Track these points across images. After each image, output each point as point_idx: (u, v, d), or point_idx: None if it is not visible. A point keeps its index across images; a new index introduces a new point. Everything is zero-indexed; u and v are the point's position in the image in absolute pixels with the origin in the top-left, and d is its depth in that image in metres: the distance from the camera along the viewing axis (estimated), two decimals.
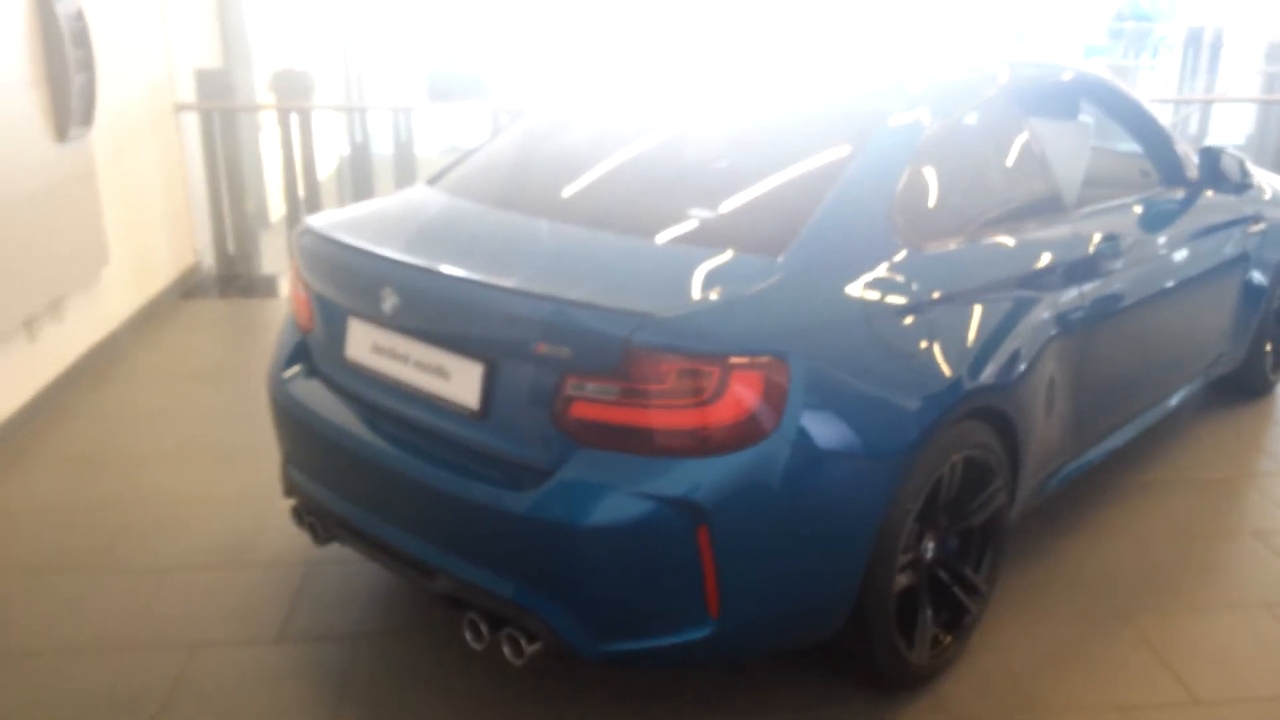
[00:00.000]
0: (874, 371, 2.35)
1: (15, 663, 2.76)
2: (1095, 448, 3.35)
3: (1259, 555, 3.32)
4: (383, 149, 10.63)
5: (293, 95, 6.22)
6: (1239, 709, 2.64)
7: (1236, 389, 4.48)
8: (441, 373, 2.40)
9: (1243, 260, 3.90)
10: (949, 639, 2.69)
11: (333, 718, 2.57)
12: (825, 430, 2.24)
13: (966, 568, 2.75)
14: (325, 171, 9.84)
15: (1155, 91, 12.69)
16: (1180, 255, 3.52)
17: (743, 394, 2.14)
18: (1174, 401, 3.78)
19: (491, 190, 2.91)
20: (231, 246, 6.38)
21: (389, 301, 2.42)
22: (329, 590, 3.07)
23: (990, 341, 2.62)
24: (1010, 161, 3.05)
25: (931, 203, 2.71)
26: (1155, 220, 3.47)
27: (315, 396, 2.71)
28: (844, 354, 2.31)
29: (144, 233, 5.55)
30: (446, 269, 2.36)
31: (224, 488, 3.69)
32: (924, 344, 2.45)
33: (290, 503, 2.90)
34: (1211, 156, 3.72)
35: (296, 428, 2.74)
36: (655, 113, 3.16)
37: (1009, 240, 2.86)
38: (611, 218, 2.64)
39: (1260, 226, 4.00)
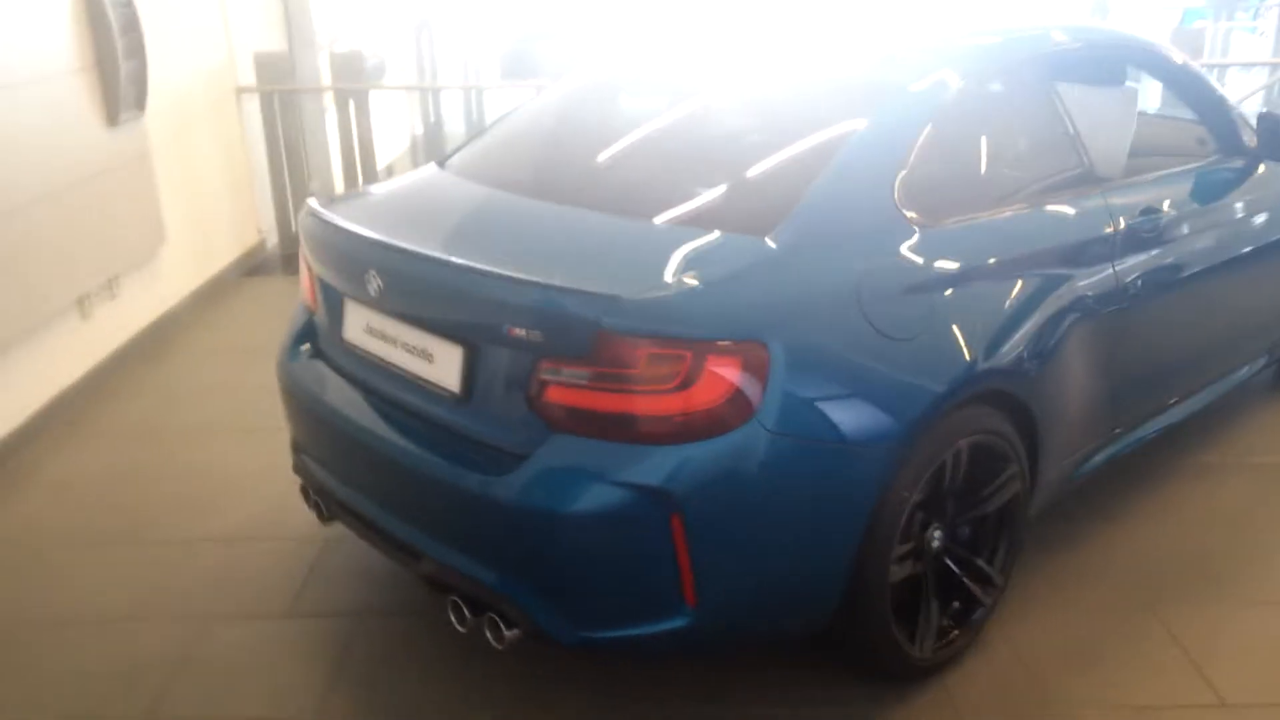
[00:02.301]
0: (865, 355, 2.25)
1: (42, 633, 2.86)
2: (1135, 432, 3.18)
3: None
4: (456, 128, 10.74)
5: (350, 77, 6.29)
6: (1268, 714, 2.48)
7: None
8: (426, 355, 2.39)
9: None
10: (956, 632, 2.59)
11: (328, 694, 2.60)
12: (807, 417, 2.15)
13: (978, 558, 2.64)
14: (398, 150, 9.98)
15: (1253, 55, 12.03)
16: (1233, 229, 3.32)
17: (718, 379, 2.08)
18: (1230, 383, 3.57)
19: (495, 172, 2.88)
20: (294, 226, 6.50)
21: (376, 283, 2.42)
22: (342, 566, 3.11)
23: (1003, 323, 2.50)
24: (1038, 132, 2.91)
25: (944, 177, 2.59)
26: (1205, 191, 3.28)
27: (316, 377, 2.73)
28: (832, 337, 2.22)
29: (204, 213, 5.69)
30: (428, 251, 2.34)
31: (259, 462, 3.76)
32: (925, 326, 2.34)
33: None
34: (1272, 123, 3.48)
35: (299, 407, 2.77)
36: (661, 92, 3.09)
37: (1030, 216, 2.72)
38: (610, 200, 2.59)
39: None
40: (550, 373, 2.14)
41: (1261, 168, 3.48)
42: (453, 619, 2.37)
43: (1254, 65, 10.53)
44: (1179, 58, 3.35)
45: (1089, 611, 2.85)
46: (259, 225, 6.42)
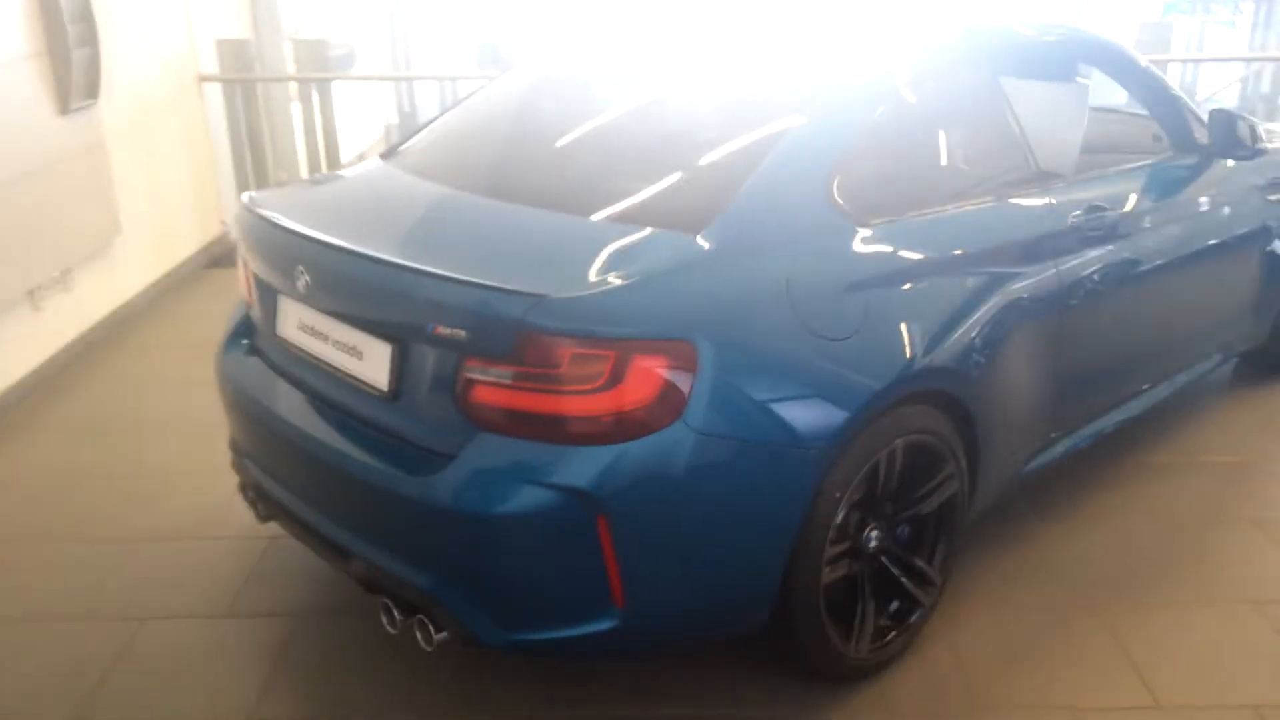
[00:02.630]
0: (798, 355, 2.23)
1: None
2: (1084, 430, 3.17)
3: (1256, 546, 3.13)
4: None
5: (314, 65, 6.23)
6: (1203, 715, 2.48)
7: (1263, 367, 4.22)
8: (356, 352, 2.36)
9: (1263, 232, 3.65)
10: (893, 633, 2.58)
11: (264, 693, 2.57)
12: (737, 417, 2.13)
13: (917, 558, 2.63)
14: (371, 140, 9.92)
15: (1228, 49, 12.03)
16: (1182, 226, 3.31)
17: (643, 379, 2.05)
18: (1183, 380, 3.57)
19: (435, 166, 2.84)
20: None
21: (305, 279, 2.38)
22: (283, 565, 3.08)
23: (942, 322, 2.48)
24: (986, 129, 2.89)
25: (885, 174, 2.57)
26: (1155, 189, 3.27)
27: (251, 373, 2.69)
28: (764, 336, 2.20)
29: (164, 203, 5.63)
30: (357, 247, 2.31)
31: (208, 458, 3.70)
32: (860, 325, 2.32)
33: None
34: (1223, 119, 3.47)
35: (234, 404, 2.73)
36: (607, 86, 3.05)
37: (974, 213, 2.70)
38: (548, 196, 2.56)
39: None
40: (476, 371, 2.11)
41: (1212, 165, 3.47)
42: (383, 620, 2.35)
43: (1230, 60, 10.51)
44: (1132, 54, 3.34)
45: (1030, 612, 2.84)
46: (222, 216, 6.36)
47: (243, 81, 6.10)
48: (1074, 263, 2.88)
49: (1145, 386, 3.40)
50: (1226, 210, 3.48)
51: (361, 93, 9.11)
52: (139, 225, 5.23)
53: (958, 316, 2.53)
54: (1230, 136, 3.46)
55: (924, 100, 2.69)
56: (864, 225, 2.43)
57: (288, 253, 2.44)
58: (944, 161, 2.76)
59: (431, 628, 2.25)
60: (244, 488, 2.84)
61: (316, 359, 2.47)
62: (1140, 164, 3.34)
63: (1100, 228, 2.96)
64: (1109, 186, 3.10)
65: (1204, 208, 3.41)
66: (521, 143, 2.87)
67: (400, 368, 2.26)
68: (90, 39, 4.55)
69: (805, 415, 2.22)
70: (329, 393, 2.45)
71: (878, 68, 2.62)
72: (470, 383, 2.12)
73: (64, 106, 4.44)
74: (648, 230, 2.29)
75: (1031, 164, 2.89)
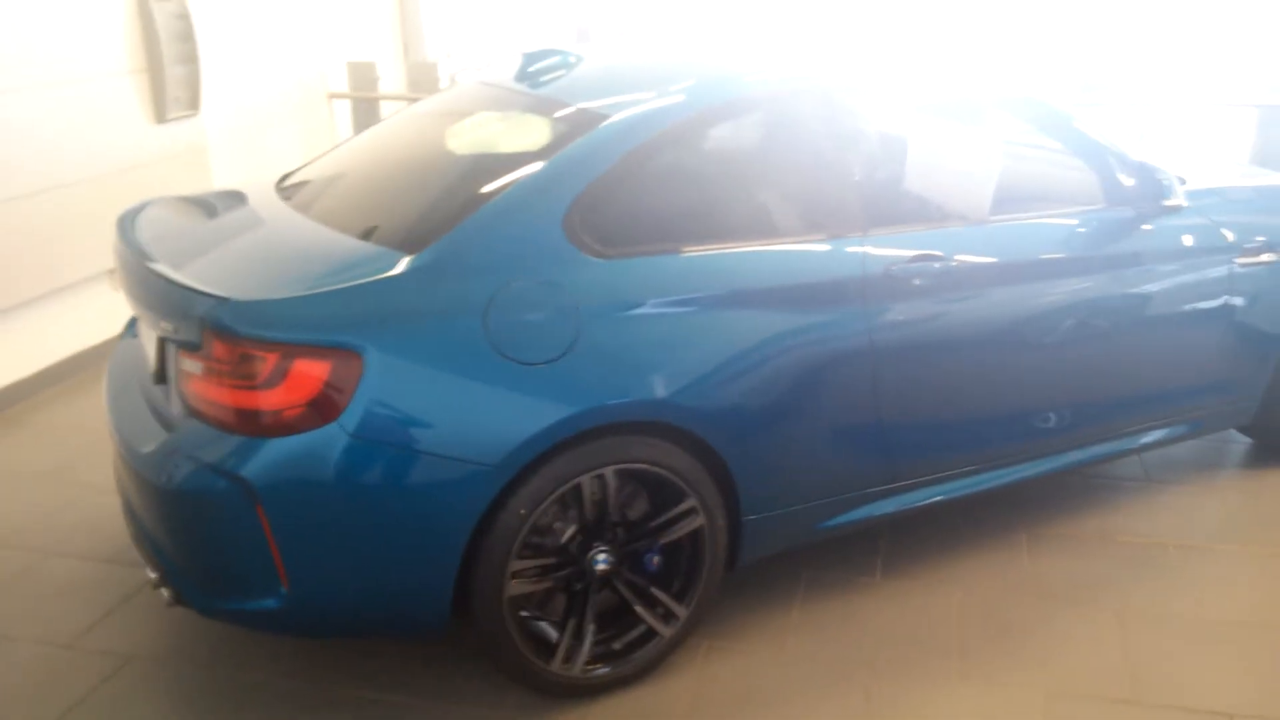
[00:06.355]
0: (479, 374, 2.34)
1: None
2: (922, 491, 3.01)
3: (1102, 639, 2.85)
4: None
5: (427, 86, 6.77)
6: None
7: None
8: (149, 337, 2.71)
9: (1217, 297, 3.28)
10: (600, 661, 2.62)
11: (93, 627, 2.95)
12: (397, 425, 2.28)
13: (660, 589, 2.65)
14: None
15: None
16: (1074, 283, 3.06)
17: (299, 381, 2.26)
18: (1079, 456, 3.26)
19: (293, 187, 3.08)
20: None
21: (121, 271, 2.76)
22: None
23: (673, 358, 2.51)
24: (782, 173, 2.87)
25: (635, 211, 2.61)
26: (1047, 240, 3.07)
27: (120, 353, 3.10)
28: (444, 354, 2.34)
29: None
30: (134, 246, 2.64)
31: None
32: (561, 352, 2.40)
33: None
34: (1144, 173, 3.16)
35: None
36: (449, 127, 3.17)
37: (742, 255, 2.66)
38: (341, 216, 2.74)
39: (1267, 258, 3.35)
40: (184, 362, 2.40)
41: (1136, 220, 3.18)
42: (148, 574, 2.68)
43: None
44: (1049, 102, 3.14)
45: (803, 663, 2.77)
46: None
47: (365, 99, 6.74)
48: (894, 314, 2.78)
49: (1017, 454, 3.15)
50: (1150, 271, 3.18)
51: None
52: None
53: (701, 354, 2.54)
54: (1151, 191, 3.16)
55: (709, 141, 2.71)
56: (601, 257, 2.50)
57: (118, 248, 2.81)
58: (722, 201, 2.75)
59: (165, 588, 2.55)
60: None
61: (140, 342, 2.85)
62: (1049, 214, 3.14)
63: (930, 279, 2.82)
64: (962, 235, 2.93)
65: (1115, 266, 3.12)
66: (359, 169, 3.10)
67: (160, 353, 2.58)
68: (189, 58, 5.24)
69: (478, 431, 2.33)
70: (140, 372, 2.82)
71: (646, 105, 2.67)
72: (183, 372, 2.41)
73: (160, 116, 5.14)
74: (370, 248, 2.48)
75: (854, 209, 2.81)
